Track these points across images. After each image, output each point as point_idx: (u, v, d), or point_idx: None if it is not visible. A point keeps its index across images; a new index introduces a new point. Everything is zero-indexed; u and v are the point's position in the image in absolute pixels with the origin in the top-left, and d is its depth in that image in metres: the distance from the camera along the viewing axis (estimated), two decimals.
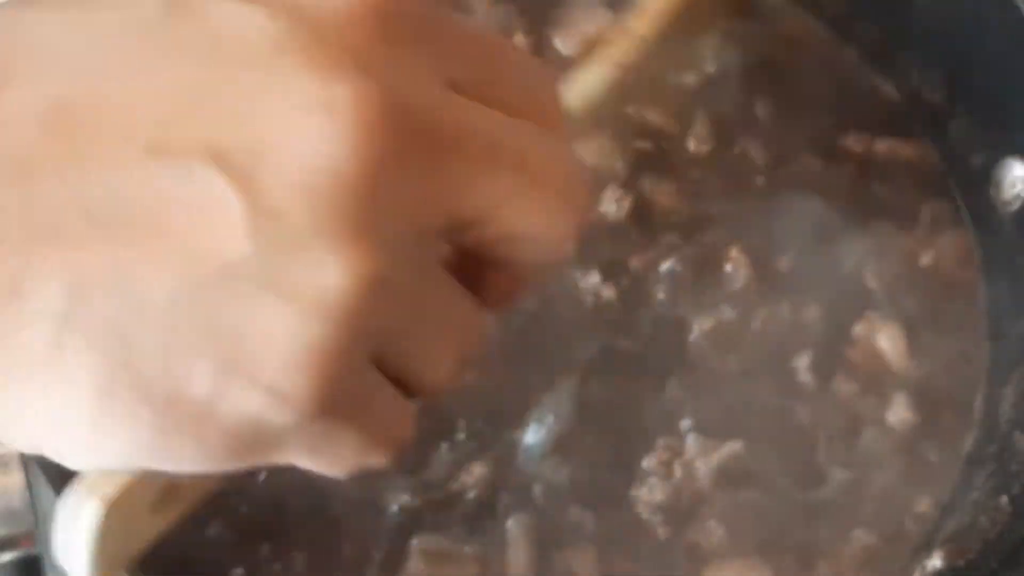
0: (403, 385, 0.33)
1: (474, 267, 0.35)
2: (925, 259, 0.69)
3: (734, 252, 0.67)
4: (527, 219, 0.33)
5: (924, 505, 0.63)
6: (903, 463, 0.64)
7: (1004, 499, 0.58)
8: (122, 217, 0.26)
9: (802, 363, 0.65)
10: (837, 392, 0.65)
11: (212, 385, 0.27)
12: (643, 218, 0.68)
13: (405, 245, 0.29)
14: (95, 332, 0.26)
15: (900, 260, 0.69)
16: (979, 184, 0.69)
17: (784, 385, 0.65)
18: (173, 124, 0.26)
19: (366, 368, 0.30)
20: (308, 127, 0.26)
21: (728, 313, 0.66)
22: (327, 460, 0.32)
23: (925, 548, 0.61)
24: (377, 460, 0.33)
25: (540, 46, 0.73)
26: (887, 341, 0.66)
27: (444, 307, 0.33)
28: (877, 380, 0.66)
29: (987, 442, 0.63)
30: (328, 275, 0.27)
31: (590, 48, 0.56)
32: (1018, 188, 0.67)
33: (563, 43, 0.74)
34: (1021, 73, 0.66)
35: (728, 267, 0.67)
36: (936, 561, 0.59)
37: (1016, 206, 0.67)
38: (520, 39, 0.74)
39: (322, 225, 0.26)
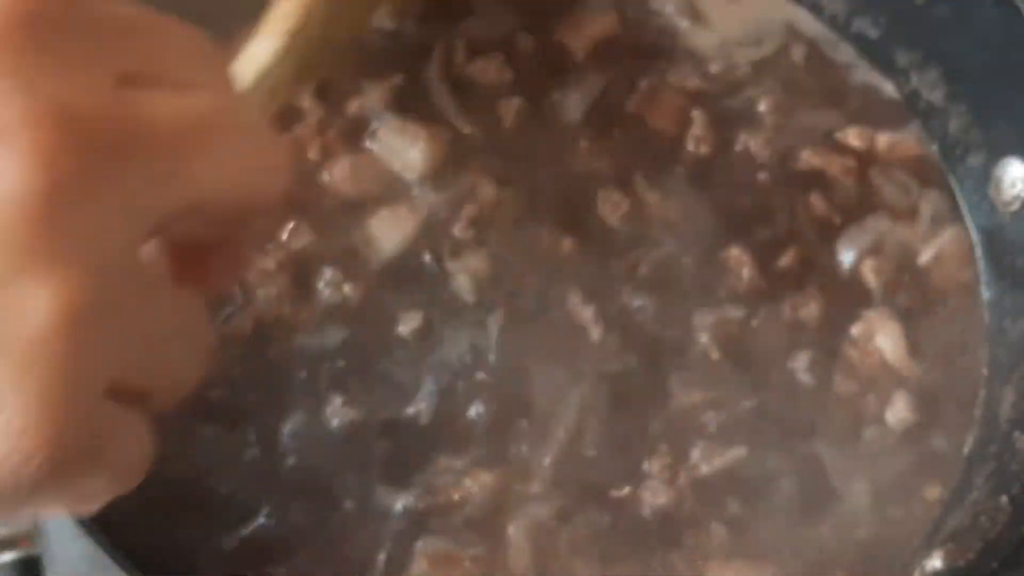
0: (146, 399, 0.31)
1: (189, 255, 0.33)
2: (925, 258, 0.69)
3: (734, 251, 0.68)
4: (231, 192, 0.31)
5: (924, 505, 0.63)
6: (903, 463, 0.64)
7: (1004, 499, 0.59)
8: None
9: (802, 363, 0.65)
10: (837, 392, 0.65)
11: None
12: (642, 220, 0.68)
13: (111, 261, 0.26)
14: None
15: (900, 259, 0.69)
16: (979, 184, 0.70)
17: (785, 385, 0.65)
18: None
19: (100, 403, 0.28)
20: None
21: (729, 314, 0.66)
22: (76, 504, 0.30)
23: (925, 548, 0.61)
24: (126, 488, 0.31)
25: (547, 46, 0.73)
26: (887, 340, 0.66)
27: (166, 314, 0.31)
28: (876, 380, 0.66)
29: (987, 442, 0.63)
30: (32, 318, 0.24)
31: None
32: (1018, 188, 0.67)
33: (571, 42, 0.74)
34: (1020, 72, 0.66)
35: (729, 267, 0.67)
36: (936, 561, 0.59)
37: (1016, 206, 0.67)
38: (526, 39, 0.74)
39: (16, 265, 0.24)
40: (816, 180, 0.71)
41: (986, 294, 0.69)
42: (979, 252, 0.69)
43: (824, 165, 0.71)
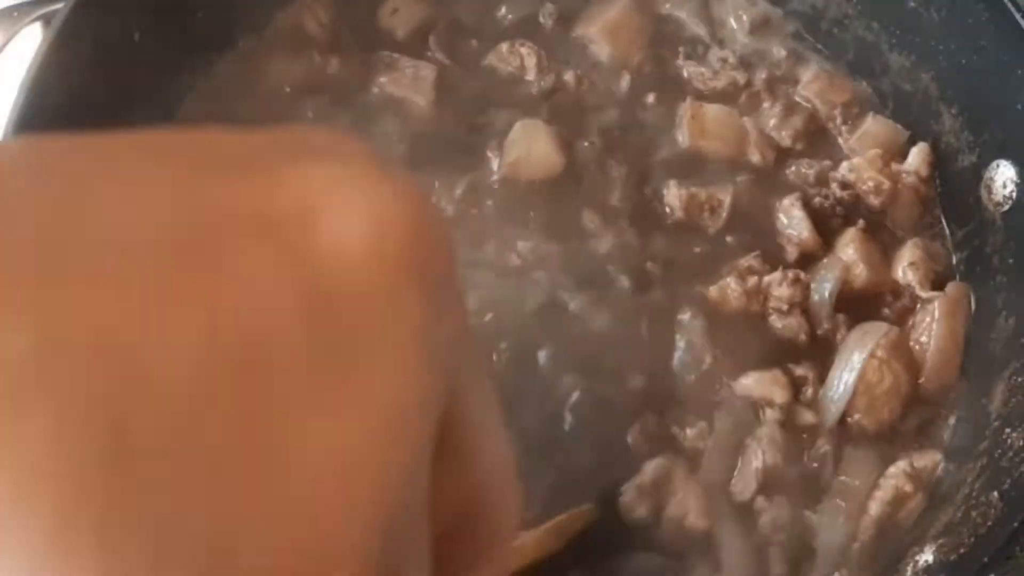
0: None
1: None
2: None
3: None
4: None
5: (916, 501, 0.63)
6: (896, 460, 0.64)
7: (995, 495, 0.59)
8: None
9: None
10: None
11: None
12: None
13: None
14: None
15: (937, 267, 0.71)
16: (971, 185, 0.70)
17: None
18: None
19: None
20: None
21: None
22: None
23: (917, 543, 0.61)
24: None
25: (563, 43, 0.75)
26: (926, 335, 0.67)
27: None
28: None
29: (978, 439, 0.64)
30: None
31: None
32: (1009, 189, 0.68)
33: (580, 33, 0.76)
34: (1012, 76, 0.66)
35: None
36: (928, 556, 0.60)
37: (1007, 207, 0.68)
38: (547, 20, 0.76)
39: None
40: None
41: (977, 293, 0.69)
42: (970, 252, 0.71)
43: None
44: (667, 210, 0.69)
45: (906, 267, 0.69)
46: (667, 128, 0.73)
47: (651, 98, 0.74)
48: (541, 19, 0.77)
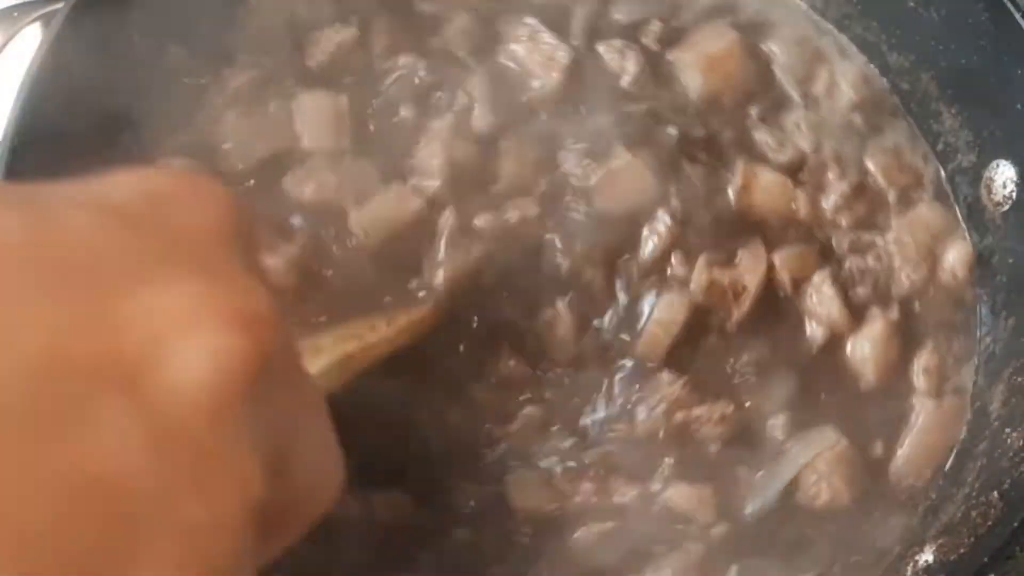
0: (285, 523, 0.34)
1: None
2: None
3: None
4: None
5: (916, 500, 0.64)
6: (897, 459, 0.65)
7: (995, 495, 0.59)
8: None
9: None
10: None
11: None
12: None
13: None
14: None
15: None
16: (971, 184, 0.70)
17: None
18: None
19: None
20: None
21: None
22: None
23: (917, 543, 0.61)
24: None
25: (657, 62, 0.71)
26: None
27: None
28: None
29: (978, 439, 0.64)
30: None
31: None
32: (1009, 189, 0.68)
33: (675, 57, 0.71)
34: (1012, 76, 0.66)
35: None
36: (928, 556, 0.60)
37: (1007, 207, 0.68)
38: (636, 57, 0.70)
39: None
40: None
41: (977, 293, 0.69)
42: (970, 252, 0.70)
43: None
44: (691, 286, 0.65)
45: (919, 372, 0.67)
46: (719, 186, 0.68)
47: (717, 148, 0.69)
48: (644, 35, 0.72)
